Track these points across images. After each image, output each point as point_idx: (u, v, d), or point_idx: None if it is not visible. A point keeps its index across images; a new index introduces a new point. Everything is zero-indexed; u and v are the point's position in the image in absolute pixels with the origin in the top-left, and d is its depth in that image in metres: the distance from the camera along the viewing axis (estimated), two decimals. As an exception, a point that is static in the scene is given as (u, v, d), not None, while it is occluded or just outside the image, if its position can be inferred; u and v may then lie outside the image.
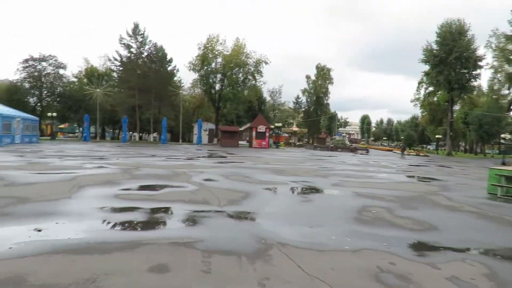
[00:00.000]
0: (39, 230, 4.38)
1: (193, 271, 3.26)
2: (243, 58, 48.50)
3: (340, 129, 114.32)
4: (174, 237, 4.35)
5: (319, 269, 3.47)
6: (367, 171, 15.26)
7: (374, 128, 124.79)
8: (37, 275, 3.02)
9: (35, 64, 47.98)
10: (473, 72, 44.82)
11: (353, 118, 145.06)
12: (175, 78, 52.81)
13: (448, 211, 7.05)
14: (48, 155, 16.40)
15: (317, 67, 63.95)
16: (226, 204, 6.46)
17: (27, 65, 47.41)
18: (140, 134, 51.41)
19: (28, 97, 49.13)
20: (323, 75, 63.50)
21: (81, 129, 48.47)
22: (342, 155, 31.72)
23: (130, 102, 44.51)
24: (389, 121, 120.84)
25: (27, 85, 48.00)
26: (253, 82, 50.67)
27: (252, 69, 49.53)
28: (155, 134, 53.73)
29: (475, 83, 47.47)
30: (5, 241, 3.96)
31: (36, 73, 47.93)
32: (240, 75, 49.65)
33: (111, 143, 37.10)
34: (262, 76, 50.30)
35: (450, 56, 42.39)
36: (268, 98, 63.32)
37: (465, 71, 44.40)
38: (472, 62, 43.53)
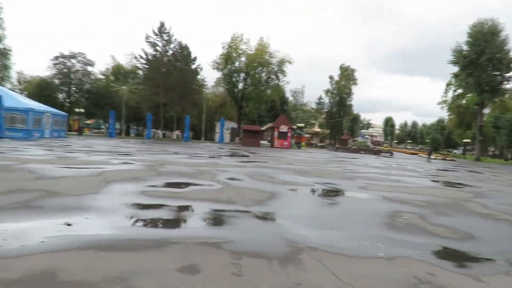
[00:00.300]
0: (69, 225, 4.40)
1: (223, 274, 3.17)
2: (267, 57, 48.44)
3: (362, 131, 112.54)
4: (201, 236, 4.28)
5: (354, 277, 3.31)
6: (393, 175, 14.85)
7: (397, 131, 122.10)
8: (68, 271, 3.00)
9: (65, 61, 49.50)
10: (506, 74, 43.07)
11: (376, 120, 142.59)
12: (199, 77, 53.30)
13: (485, 219, 6.70)
14: (76, 150, 16.81)
15: (341, 68, 63.05)
16: (251, 204, 6.36)
17: (57, 62, 48.97)
18: (164, 131, 52.16)
19: (57, 93, 50.70)
20: (346, 75, 62.54)
21: (106, 125, 49.61)
22: (365, 158, 31.13)
23: (155, 99, 45.20)
24: (414, 124, 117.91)
25: (56, 81, 49.58)
26: (276, 81, 50.54)
27: (276, 68, 49.40)
28: (178, 132, 54.37)
29: (508, 86, 45.63)
30: (37, 234, 4.00)
31: (65, 70, 49.45)
32: (263, 74, 49.61)
33: (135, 140, 37.79)
34: (285, 75, 50.14)
35: (481, 58, 40.89)
36: (290, 98, 63.02)
37: (497, 73, 42.73)
38: (505, 63, 41.84)
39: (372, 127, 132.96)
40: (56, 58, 48.84)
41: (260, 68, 48.68)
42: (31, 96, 43.09)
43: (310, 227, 5.13)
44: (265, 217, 5.57)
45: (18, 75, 57.51)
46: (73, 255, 3.41)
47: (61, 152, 15.27)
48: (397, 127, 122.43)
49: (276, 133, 41.88)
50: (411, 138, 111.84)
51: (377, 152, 41.71)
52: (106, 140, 32.41)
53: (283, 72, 49.58)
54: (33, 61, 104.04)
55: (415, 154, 57.72)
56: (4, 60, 45.77)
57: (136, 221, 4.87)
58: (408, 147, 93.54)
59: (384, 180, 12.14)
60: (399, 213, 6.48)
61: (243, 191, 7.75)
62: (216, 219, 5.23)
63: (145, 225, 4.71)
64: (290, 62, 49.07)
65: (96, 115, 55.70)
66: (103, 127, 49.89)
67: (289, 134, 42.04)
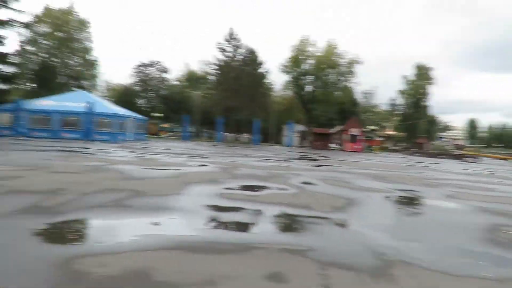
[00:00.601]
0: (156, 224, 4.60)
1: (312, 285, 3.01)
2: (335, 58, 47.35)
3: (441, 133, 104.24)
4: (283, 242, 4.17)
5: (459, 299, 2.93)
6: (484, 182, 13.37)
7: (483, 134, 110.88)
8: (160, 271, 3.08)
9: (144, 69, 53.64)
10: None
11: (457, 121, 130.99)
12: (266, 80, 53.96)
13: None
14: (155, 152, 17.94)
15: (417, 67, 59.19)
16: (330, 210, 6.11)
17: (138, 70, 53.25)
18: (234, 134, 53.69)
19: (138, 99, 55.05)
20: (422, 75, 58.52)
21: (180, 128, 52.56)
22: (447, 163, 28.65)
23: (225, 103, 46.76)
24: (504, 126, 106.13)
25: (137, 88, 53.88)
26: (345, 83, 49.14)
27: (344, 69, 48.05)
28: (247, 135, 55.57)
29: None
30: (128, 232, 4.23)
31: (145, 78, 53.53)
32: (332, 76, 48.56)
33: (207, 143, 39.37)
34: (355, 76, 48.51)
35: None
36: (361, 100, 60.74)
37: None
38: None
39: (451, 130, 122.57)
40: (137, 66, 53.11)
41: (328, 70, 47.74)
42: (116, 102, 47.31)
43: (397, 238, 4.74)
44: (345, 224, 5.29)
45: (105, 83, 63.66)
46: (163, 255, 3.52)
47: (143, 154, 16.40)
48: (483, 129, 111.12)
49: (347, 136, 40.60)
50: (501, 141, 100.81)
51: (459, 157, 38.17)
52: (180, 142, 34.22)
53: (352, 73, 48.07)
54: (119, 70, 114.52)
55: (505, 159, 51.75)
56: (92, 70, 50.95)
57: (217, 223, 4.94)
58: (498, 151, 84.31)
59: (475, 189, 10.96)
60: (500, 227, 5.73)
61: (318, 196, 7.51)
62: (295, 225, 5.10)
63: (226, 228, 4.74)
64: (359, 63, 47.41)
65: (171, 119, 59.39)
66: (177, 130, 52.86)
67: (360, 137, 40.46)
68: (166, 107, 54.69)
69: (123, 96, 51.95)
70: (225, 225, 4.84)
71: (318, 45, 48.34)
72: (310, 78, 49.30)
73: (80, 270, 3.02)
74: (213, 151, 22.13)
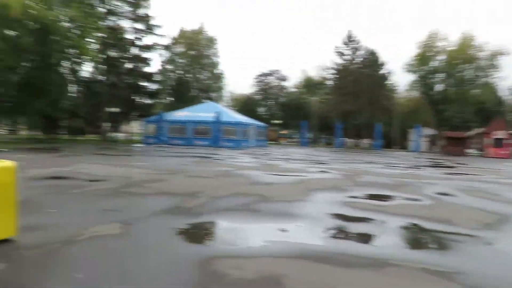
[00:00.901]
0: (283, 231, 4.65)
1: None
2: (472, 52, 41.52)
3: None
4: (420, 261, 3.71)
5: None
6: None
7: None
8: (290, 280, 3.06)
9: (264, 78, 56.31)
10: None
11: None
12: (389, 82, 50.65)
13: None
14: (276, 158, 18.49)
15: None
16: (477, 227, 5.25)
17: (259, 80, 56.19)
18: (354, 139, 51.95)
19: (259, 107, 58.02)
20: None
21: (299, 134, 53.35)
22: None
23: (343, 107, 45.59)
24: None
25: (258, 97, 56.86)
26: (486, 79, 42.61)
27: (485, 63, 41.73)
28: (368, 140, 53.08)
29: None
30: (258, 236, 4.37)
31: (265, 86, 56.17)
32: (468, 72, 42.71)
33: (325, 148, 38.92)
34: (499, 71, 41.67)
35: None
36: (507, 97, 51.84)
37: None
38: None
39: None
40: (258, 76, 56.07)
41: (463, 66, 42.15)
42: (239, 111, 50.76)
43: None
44: (500, 245, 4.46)
45: (230, 93, 69.05)
46: (292, 263, 3.50)
47: (265, 160, 17.09)
48: None
49: (489, 140, 35.02)
50: None
51: None
52: (299, 148, 34.61)
53: (495, 67, 41.37)
54: (242, 81, 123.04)
55: None
56: (219, 82, 55.76)
57: (344, 233, 4.73)
58: None
59: None
60: None
61: (460, 209, 6.58)
62: (435, 242, 4.52)
63: (353, 239, 4.50)
64: (505, 54, 40.49)
65: (289, 126, 60.83)
66: (296, 136, 53.76)
67: (508, 141, 34.41)
68: (285, 114, 56.31)
69: (245, 105, 55.60)
70: (352, 236, 4.60)
71: (451, 39, 43.15)
72: (440, 76, 44.28)
73: (219, 271, 3.21)
74: (333, 157, 21.69)
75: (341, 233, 4.75)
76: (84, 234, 4.15)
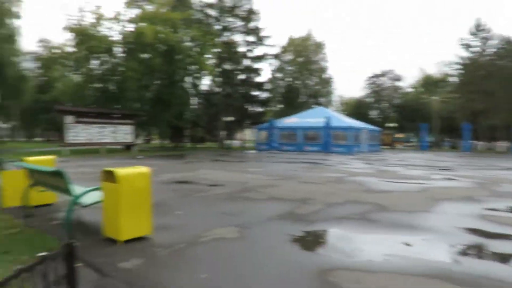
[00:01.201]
0: (407, 245, 4.21)
1: None
2: None
3: None
4: None
5: None
6: None
7: None
8: (421, 301, 2.72)
9: (376, 80, 53.40)
10: None
11: None
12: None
13: None
14: (392, 164, 17.21)
15: None
16: None
17: (370, 82, 53.56)
18: (486, 142, 45.30)
19: (371, 110, 55.22)
20: None
21: (417, 138, 48.92)
22: None
23: (472, 106, 40.17)
24: None
25: (369, 99, 54.17)
26: None
27: None
28: (505, 143, 45.59)
29: None
30: (378, 249, 4.05)
31: (377, 88, 53.22)
32: None
33: (450, 153, 34.75)
34: None
35: None
36: None
37: None
38: None
39: None
40: (370, 78, 53.50)
41: None
42: (349, 115, 49.14)
43: None
44: None
45: (339, 98, 67.49)
46: (420, 282, 3.14)
47: (379, 165, 16.06)
48: None
49: None
50: None
51: None
52: (418, 153, 31.64)
53: None
54: (352, 84, 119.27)
55: None
56: (328, 87, 54.98)
57: (483, 252, 4.06)
58: None
59: None
60: None
61: None
62: None
63: (495, 259, 3.81)
64: None
65: (406, 128, 56.30)
66: (413, 140, 49.37)
67: None
68: (400, 116, 52.27)
69: (356, 109, 53.54)
70: (493, 256, 3.91)
71: None
72: None
73: (336, 283, 3.06)
74: (461, 162, 19.15)
75: (478, 252, 4.10)
76: (206, 236, 4.45)
